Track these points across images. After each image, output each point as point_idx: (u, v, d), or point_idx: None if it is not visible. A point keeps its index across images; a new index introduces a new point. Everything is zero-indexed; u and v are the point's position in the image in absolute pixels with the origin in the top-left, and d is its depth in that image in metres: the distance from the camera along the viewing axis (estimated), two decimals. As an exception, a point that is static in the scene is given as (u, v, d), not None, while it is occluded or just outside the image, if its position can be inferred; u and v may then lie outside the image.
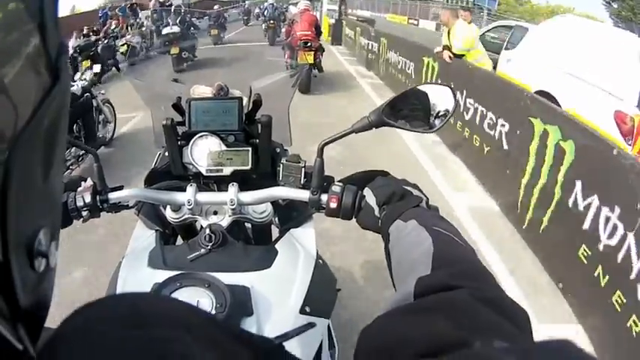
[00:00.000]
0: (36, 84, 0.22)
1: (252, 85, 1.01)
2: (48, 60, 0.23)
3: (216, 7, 15.07)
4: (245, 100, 0.93)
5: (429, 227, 0.55)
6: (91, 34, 9.09)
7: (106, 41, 8.63)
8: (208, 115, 0.85)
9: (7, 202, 0.20)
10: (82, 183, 0.81)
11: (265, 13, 12.38)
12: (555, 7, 26.96)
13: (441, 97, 0.69)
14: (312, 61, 5.88)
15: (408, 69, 5.74)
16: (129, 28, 12.39)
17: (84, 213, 0.78)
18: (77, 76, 4.04)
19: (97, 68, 4.60)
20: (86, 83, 3.93)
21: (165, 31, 8.51)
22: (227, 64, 8.27)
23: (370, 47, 8.14)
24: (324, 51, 6.54)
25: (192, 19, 10.46)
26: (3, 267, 0.20)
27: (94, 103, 3.99)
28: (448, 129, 3.87)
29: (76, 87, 3.80)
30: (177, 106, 0.90)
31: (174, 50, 7.99)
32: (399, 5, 31.27)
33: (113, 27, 11.42)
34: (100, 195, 0.79)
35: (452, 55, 4.24)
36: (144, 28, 11.23)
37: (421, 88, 0.71)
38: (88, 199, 0.77)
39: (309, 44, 5.83)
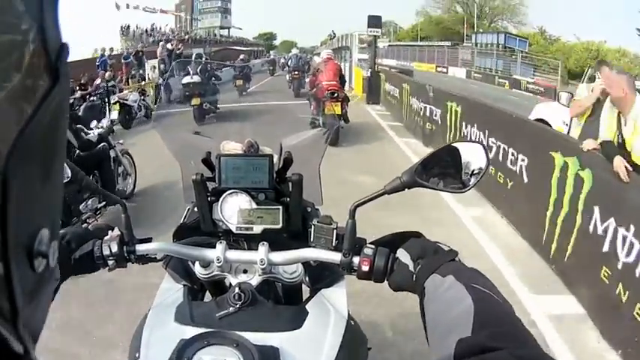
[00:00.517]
0: (36, 85, 0.22)
1: (283, 143, 1.02)
2: (48, 61, 0.22)
3: (241, 56, 16.10)
4: (275, 158, 0.93)
5: (468, 285, 0.56)
6: (77, 89, 7.91)
7: (92, 98, 7.89)
8: (239, 172, 0.87)
9: (7, 202, 0.20)
10: (110, 232, 0.83)
11: (289, 63, 12.65)
12: (588, 44, 25.91)
13: (473, 155, 0.71)
14: (339, 112, 5.88)
15: (515, 165, 3.48)
16: (129, 80, 11.02)
17: (110, 262, 0.80)
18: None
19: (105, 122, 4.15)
20: (103, 131, 3.79)
21: (185, 80, 8.52)
22: (253, 119, 8.07)
23: (429, 114, 5.87)
24: (349, 101, 6.59)
25: (214, 69, 10.45)
26: (3, 267, 0.20)
27: (112, 154, 3.86)
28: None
29: (92, 134, 3.68)
30: (207, 161, 0.92)
31: (196, 101, 7.74)
32: (426, 52, 30.46)
33: (107, 79, 9.67)
34: (128, 246, 0.81)
35: (629, 167, 2.28)
36: (145, 82, 10.23)
37: (453, 145, 0.72)
38: (114, 248, 0.79)
39: (335, 94, 5.89)
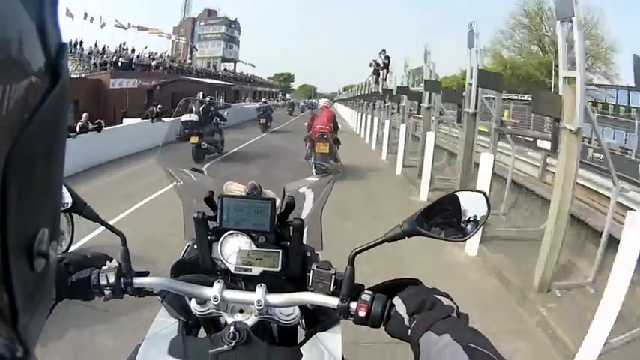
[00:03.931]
0: (35, 84, 0.26)
1: (286, 187, 1.24)
2: (48, 60, 0.27)
3: (263, 99, 19.22)
4: (277, 202, 1.11)
5: (465, 345, 0.66)
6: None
7: None
8: (240, 213, 1.04)
9: (7, 202, 0.24)
10: (107, 262, 0.99)
11: (308, 106, 16.08)
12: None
13: (473, 204, 0.87)
14: (327, 151, 8.14)
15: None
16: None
17: (106, 292, 0.95)
18: None
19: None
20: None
21: (184, 118, 9.89)
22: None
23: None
24: (339, 144, 8.89)
25: (219, 109, 11.66)
26: (3, 267, 0.24)
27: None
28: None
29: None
30: (209, 201, 1.10)
31: (194, 140, 9.19)
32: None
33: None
34: (125, 278, 0.96)
35: None
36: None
37: (455, 194, 0.87)
38: (112, 279, 0.95)
39: (325, 136, 8.43)
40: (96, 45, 29.83)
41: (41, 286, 0.29)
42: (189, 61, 46.04)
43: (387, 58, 17.47)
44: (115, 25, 33.99)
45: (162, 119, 13.97)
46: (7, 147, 0.23)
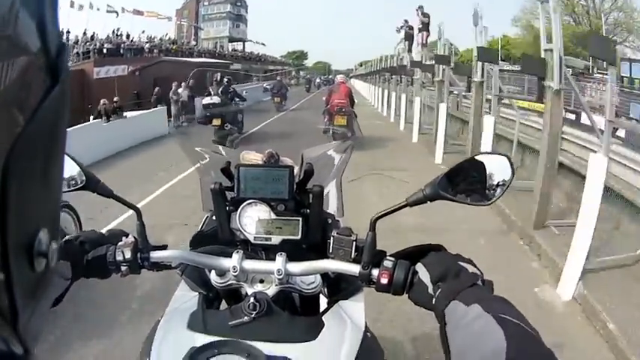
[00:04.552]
0: (35, 84, 0.27)
1: (304, 154, 1.26)
2: (47, 60, 0.28)
3: (278, 77, 19.15)
4: (296, 169, 1.12)
5: (497, 316, 0.67)
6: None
7: None
8: (258, 182, 1.07)
9: (7, 202, 0.24)
10: (124, 238, 1.01)
11: (324, 83, 16.44)
12: None
13: (497, 167, 0.87)
14: (344, 124, 9.25)
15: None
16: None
17: (123, 268, 0.98)
18: None
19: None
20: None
21: (205, 101, 10.14)
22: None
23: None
24: (356, 116, 9.80)
25: (238, 88, 11.81)
26: (3, 267, 0.24)
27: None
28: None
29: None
30: (226, 171, 1.13)
31: (217, 122, 9.45)
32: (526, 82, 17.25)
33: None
34: (142, 252, 0.98)
35: None
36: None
37: (477, 158, 0.88)
38: (128, 254, 0.97)
39: (343, 109, 9.40)
40: (84, 33, 28.07)
41: (41, 286, 0.30)
42: (193, 42, 44.06)
43: (427, 16, 14.31)
44: (107, 11, 32.51)
45: (124, 114, 11.62)
46: (7, 147, 0.24)
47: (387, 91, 17.55)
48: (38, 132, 0.27)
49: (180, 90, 14.43)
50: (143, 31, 33.05)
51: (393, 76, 16.05)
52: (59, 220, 0.34)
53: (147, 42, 30.84)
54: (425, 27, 13.93)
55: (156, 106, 13.87)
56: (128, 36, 30.17)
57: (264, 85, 19.72)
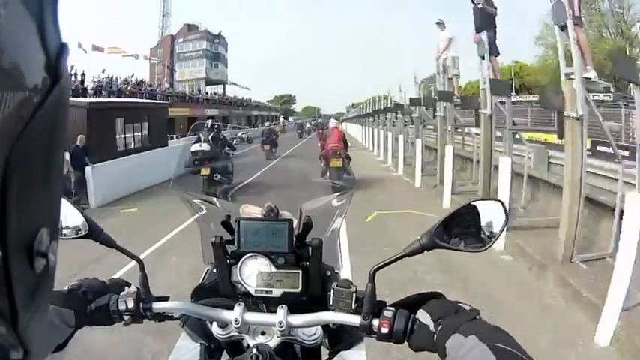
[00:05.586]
0: (35, 85, 0.28)
1: (302, 207, 1.32)
2: (48, 60, 0.29)
3: (267, 123, 18.78)
4: (295, 222, 1.17)
5: (492, 345, 0.72)
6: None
7: None
8: (258, 235, 1.12)
9: (7, 202, 0.25)
10: (126, 287, 1.06)
11: (314, 128, 16.30)
12: None
13: (491, 213, 0.95)
14: (340, 166, 9.76)
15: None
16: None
17: (125, 317, 1.03)
18: None
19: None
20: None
21: (193, 148, 10.01)
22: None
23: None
24: (350, 160, 10.30)
25: (228, 136, 11.69)
26: (3, 267, 0.26)
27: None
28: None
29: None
30: (226, 224, 1.18)
31: (205, 171, 9.22)
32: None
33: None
34: (144, 303, 1.04)
35: None
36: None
37: (472, 204, 0.94)
38: (130, 304, 1.02)
39: (338, 152, 10.06)
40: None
41: (41, 286, 0.31)
42: (166, 85, 42.33)
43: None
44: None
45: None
46: (7, 147, 0.25)
47: (382, 132, 18.26)
48: (39, 132, 0.28)
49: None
50: (103, 70, 31.95)
51: (388, 116, 16.79)
52: (59, 220, 0.35)
53: (108, 82, 30.09)
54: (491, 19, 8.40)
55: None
56: (83, 74, 28.60)
57: (239, 135, 18.37)
